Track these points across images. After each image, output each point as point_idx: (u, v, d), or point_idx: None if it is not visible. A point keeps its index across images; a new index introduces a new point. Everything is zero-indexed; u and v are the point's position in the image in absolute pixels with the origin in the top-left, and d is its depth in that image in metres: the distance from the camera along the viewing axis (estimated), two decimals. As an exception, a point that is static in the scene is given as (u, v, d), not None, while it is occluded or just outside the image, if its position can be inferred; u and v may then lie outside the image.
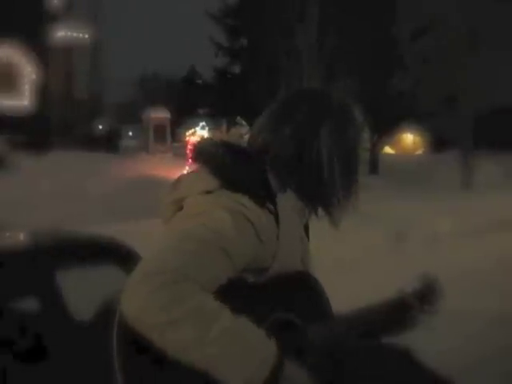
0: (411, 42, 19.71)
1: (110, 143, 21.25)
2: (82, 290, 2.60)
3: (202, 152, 1.31)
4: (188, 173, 1.33)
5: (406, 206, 10.08)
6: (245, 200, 1.20)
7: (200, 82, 29.59)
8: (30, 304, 2.48)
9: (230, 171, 1.24)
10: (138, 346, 1.09)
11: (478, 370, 3.66)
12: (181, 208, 1.28)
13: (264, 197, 1.22)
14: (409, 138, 29.73)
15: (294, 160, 1.29)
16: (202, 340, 1.06)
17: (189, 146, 17.50)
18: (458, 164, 16.32)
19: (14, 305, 2.50)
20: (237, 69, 26.39)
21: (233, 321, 1.09)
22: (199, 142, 1.35)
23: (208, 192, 1.23)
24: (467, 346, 4.10)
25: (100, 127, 24.26)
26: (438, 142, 24.19)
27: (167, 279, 1.07)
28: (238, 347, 1.08)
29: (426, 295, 1.38)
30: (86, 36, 22.81)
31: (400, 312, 1.33)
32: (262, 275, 1.22)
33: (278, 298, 1.21)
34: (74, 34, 22.41)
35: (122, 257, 2.59)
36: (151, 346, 1.07)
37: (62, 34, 22.00)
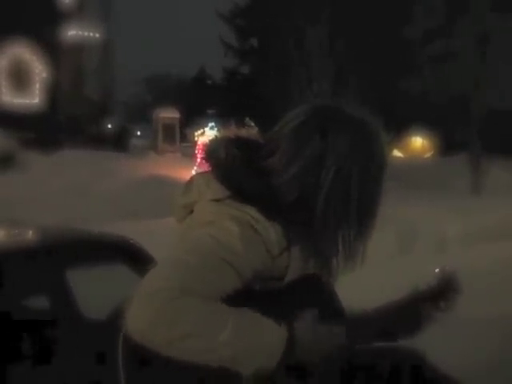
0: (423, 44, 19.62)
1: (118, 142, 21.29)
2: (91, 289, 2.60)
3: (213, 155, 1.28)
4: (199, 175, 1.31)
5: (414, 210, 10.03)
6: (253, 212, 1.18)
7: (210, 82, 29.64)
8: (40, 302, 2.48)
9: (239, 182, 1.21)
10: (144, 361, 1.11)
11: (479, 372, 3.64)
12: (192, 211, 1.28)
13: (273, 209, 1.19)
14: (417, 141, 29.59)
15: (294, 206, 1.21)
16: (212, 346, 1.08)
17: (198, 146, 17.50)
18: (468, 168, 16.24)
19: (25, 303, 2.51)
20: (246, 69, 26.41)
21: (239, 319, 1.10)
22: (211, 142, 1.32)
23: (217, 200, 1.21)
24: (472, 350, 4.08)
25: (109, 126, 24.31)
26: (447, 146, 24.08)
27: (171, 295, 1.08)
28: (250, 342, 1.10)
29: (442, 292, 1.35)
30: (97, 35, 22.88)
31: (411, 311, 1.32)
32: (277, 283, 1.21)
33: (288, 302, 1.21)
34: (85, 33, 22.48)
35: (131, 255, 2.60)
36: (157, 360, 1.09)
37: (72, 32, 22.07)
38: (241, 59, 25.93)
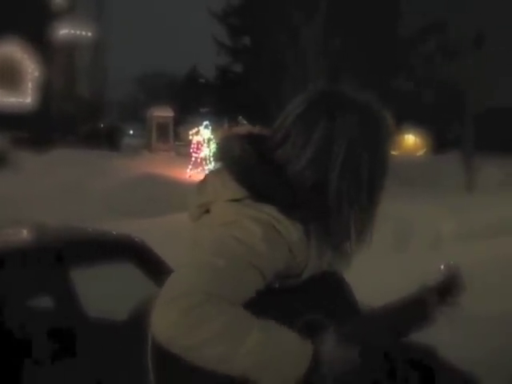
0: (416, 42, 19.68)
1: (111, 141, 21.24)
2: (97, 287, 2.59)
3: (227, 154, 1.26)
4: (213, 173, 1.29)
5: (408, 207, 10.05)
6: (273, 211, 1.17)
7: (203, 80, 29.60)
8: (44, 302, 2.47)
9: (257, 181, 1.20)
10: (173, 364, 1.10)
11: (478, 368, 3.65)
12: (207, 210, 1.26)
13: (292, 207, 1.19)
14: (410, 139, 29.70)
15: (310, 195, 1.21)
16: (236, 354, 1.07)
17: (192, 145, 17.45)
18: (460, 165, 16.28)
19: (29, 303, 2.50)
20: (239, 68, 26.38)
21: (264, 330, 1.09)
22: (223, 140, 1.30)
23: (236, 200, 1.20)
24: (469, 347, 4.10)
25: (101, 125, 24.24)
26: (439, 144, 24.16)
27: (196, 300, 1.07)
28: (273, 355, 1.09)
29: (448, 287, 1.36)
30: (89, 34, 22.81)
31: (419, 307, 1.33)
32: (294, 281, 1.22)
33: (305, 300, 1.22)
34: (77, 32, 22.41)
35: (137, 253, 2.59)
36: (187, 363, 1.08)
37: (64, 31, 22.00)
38: (234, 58, 25.90)
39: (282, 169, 1.22)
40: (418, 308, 1.32)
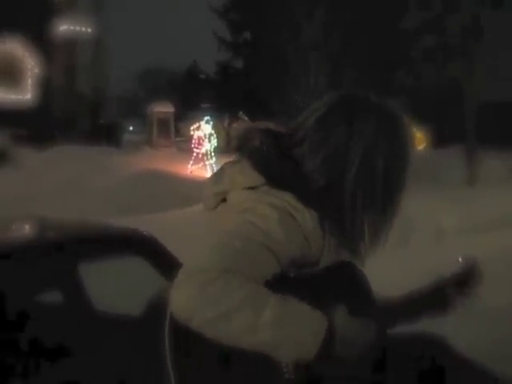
0: (416, 37, 19.64)
1: (111, 137, 21.24)
2: (106, 281, 2.59)
3: (247, 144, 1.30)
4: (230, 164, 1.32)
5: (410, 202, 10.04)
6: (291, 199, 1.20)
7: (203, 76, 29.62)
8: (52, 297, 2.48)
9: (275, 170, 1.24)
10: (190, 341, 1.12)
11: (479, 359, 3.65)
12: (224, 199, 1.29)
13: (309, 196, 1.21)
14: (411, 134, 29.68)
15: (324, 192, 1.24)
16: (254, 327, 1.09)
17: (194, 140, 17.43)
18: (462, 159, 16.26)
19: (38, 298, 2.50)
20: (239, 63, 26.36)
21: (281, 303, 1.12)
22: (243, 131, 1.33)
23: (252, 188, 1.23)
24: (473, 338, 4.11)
25: (101, 121, 24.23)
26: (441, 138, 24.15)
27: (215, 275, 1.09)
28: (290, 327, 1.11)
29: (465, 279, 1.38)
30: (89, 30, 22.78)
31: (437, 297, 1.34)
32: (310, 269, 1.23)
33: (320, 289, 1.22)
34: (77, 28, 22.38)
35: (145, 247, 2.58)
36: (204, 341, 1.10)
37: (64, 27, 21.97)
38: (234, 53, 25.86)
39: (298, 165, 1.25)
40: (435, 298, 1.33)
